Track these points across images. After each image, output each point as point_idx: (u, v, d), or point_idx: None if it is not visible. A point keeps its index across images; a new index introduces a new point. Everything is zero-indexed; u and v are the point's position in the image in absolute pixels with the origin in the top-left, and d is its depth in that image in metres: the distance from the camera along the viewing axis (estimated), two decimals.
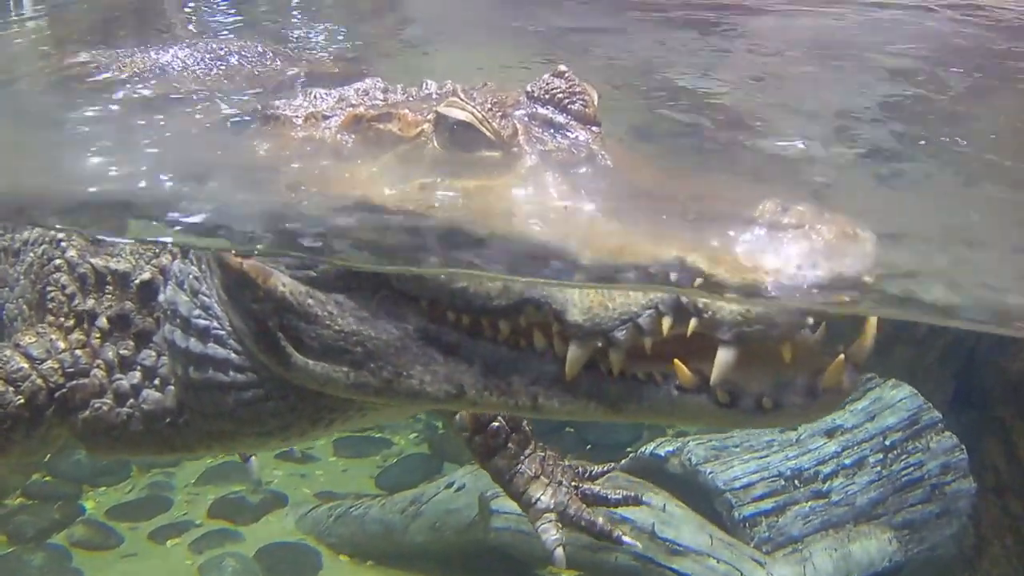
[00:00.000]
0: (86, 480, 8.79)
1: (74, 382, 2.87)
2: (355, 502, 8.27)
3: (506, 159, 2.22)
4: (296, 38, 4.27)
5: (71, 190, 2.47)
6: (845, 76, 3.60)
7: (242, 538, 8.20)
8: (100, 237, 2.88)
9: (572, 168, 2.22)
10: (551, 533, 3.70)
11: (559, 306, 2.07)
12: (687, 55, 3.89)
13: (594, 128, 2.33)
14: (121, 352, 2.84)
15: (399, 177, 2.24)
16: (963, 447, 6.01)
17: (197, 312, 2.66)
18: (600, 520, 3.78)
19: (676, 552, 6.68)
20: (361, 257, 2.25)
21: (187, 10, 4.66)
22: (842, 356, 1.92)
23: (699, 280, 1.82)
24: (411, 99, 2.49)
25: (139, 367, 2.84)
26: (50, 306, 2.95)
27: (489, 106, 2.25)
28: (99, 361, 2.87)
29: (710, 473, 7.11)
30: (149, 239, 2.76)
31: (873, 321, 1.96)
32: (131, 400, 2.85)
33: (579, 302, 2.06)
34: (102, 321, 2.86)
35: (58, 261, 2.96)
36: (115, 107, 3.06)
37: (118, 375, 2.85)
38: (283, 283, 2.40)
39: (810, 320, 1.96)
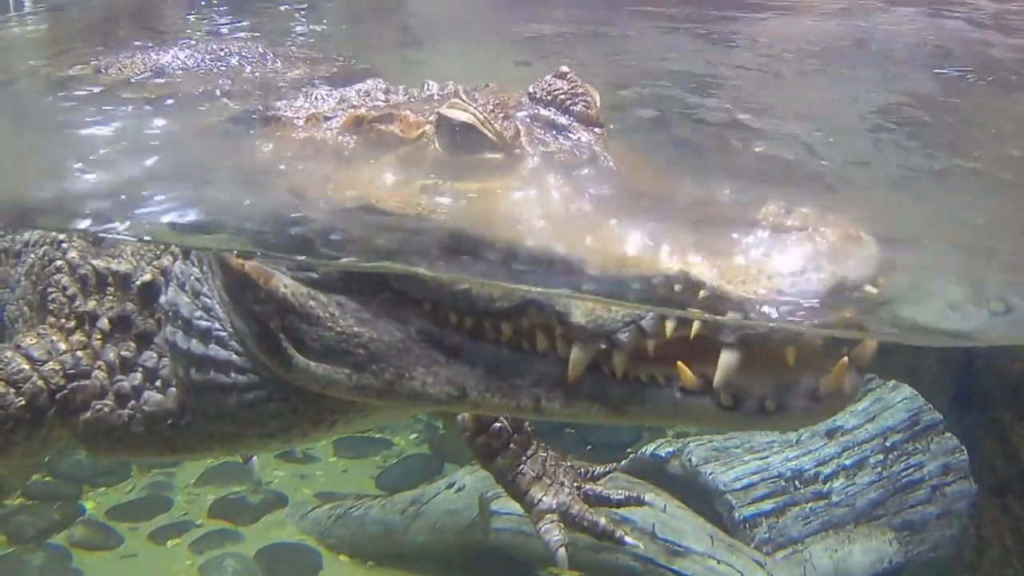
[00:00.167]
0: (86, 480, 8.77)
1: (75, 383, 2.86)
2: (355, 503, 8.26)
3: (508, 161, 2.21)
4: (296, 38, 4.26)
5: (71, 191, 2.47)
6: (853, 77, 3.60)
7: (242, 538, 8.18)
8: (101, 236, 2.87)
9: (574, 170, 2.21)
10: (554, 534, 3.69)
11: (562, 308, 2.06)
12: (689, 55, 3.89)
13: (596, 129, 2.32)
14: (122, 353, 2.83)
15: (400, 179, 2.23)
16: (963, 448, 6.02)
17: (199, 313, 2.65)
18: (603, 521, 3.76)
19: (676, 553, 6.67)
20: (362, 259, 2.24)
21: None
22: (845, 359, 1.90)
23: (703, 293, 1.82)
24: (413, 100, 2.48)
25: (140, 368, 2.83)
26: (51, 307, 2.94)
27: (491, 107, 2.24)
28: (100, 362, 2.86)
29: (710, 474, 7.11)
30: (149, 239, 2.75)
31: None
32: (132, 402, 2.84)
33: (582, 304, 2.04)
34: (103, 322, 2.85)
35: (59, 262, 2.95)
36: (115, 107, 3.05)
37: (119, 376, 2.84)
38: (285, 284, 2.39)
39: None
